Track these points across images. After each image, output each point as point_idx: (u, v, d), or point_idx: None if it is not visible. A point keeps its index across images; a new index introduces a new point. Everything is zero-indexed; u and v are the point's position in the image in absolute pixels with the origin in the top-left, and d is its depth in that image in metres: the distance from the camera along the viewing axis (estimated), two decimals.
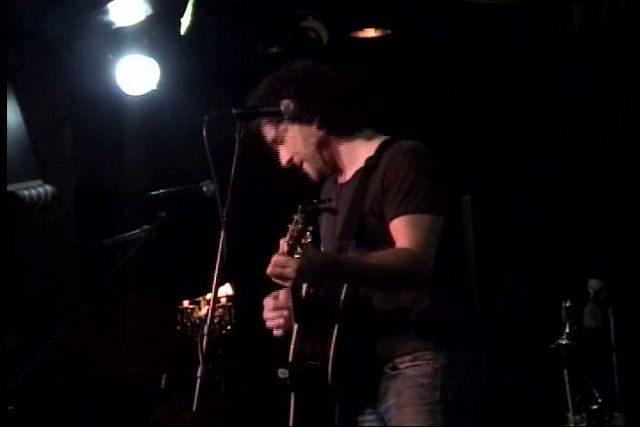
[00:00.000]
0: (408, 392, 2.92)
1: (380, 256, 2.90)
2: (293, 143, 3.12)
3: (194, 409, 2.78)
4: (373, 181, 2.99)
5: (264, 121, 3.13)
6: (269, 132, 3.15)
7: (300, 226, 2.73)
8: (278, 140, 3.15)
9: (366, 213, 2.98)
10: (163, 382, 5.96)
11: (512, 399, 5.72)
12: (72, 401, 5.43)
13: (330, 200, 2.95)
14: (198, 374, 2.82)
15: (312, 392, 2.96)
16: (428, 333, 2.94)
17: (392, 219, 2.93)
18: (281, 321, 3.04)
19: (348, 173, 3.13)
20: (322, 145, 3.11)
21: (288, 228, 2.77)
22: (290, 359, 2.94)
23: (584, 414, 5.01)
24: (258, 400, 5.89)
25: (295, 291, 2.94)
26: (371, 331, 2.96)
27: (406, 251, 2.87)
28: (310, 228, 2.74)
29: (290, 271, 2.74)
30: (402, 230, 2.90)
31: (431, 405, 2.90)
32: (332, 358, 2.87)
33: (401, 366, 2.94)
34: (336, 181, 3.19)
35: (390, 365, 2.96)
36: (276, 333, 3.06)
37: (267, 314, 3.08)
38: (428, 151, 3.02)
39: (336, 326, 2.89)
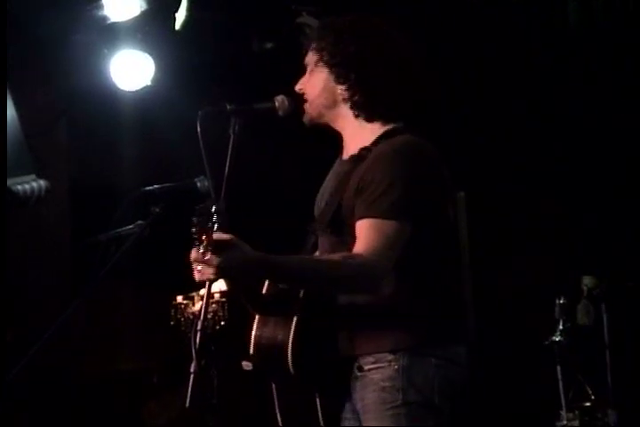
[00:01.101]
0: (371, 397, 2.90)
1: (326, 260, 2.88)
2: (313, 82, 3.08)
3: (186, 405, 2.78)
4: (355, 175, 2.96)
5: (312, 46, 3.09)
6: (308, 56, 3.11)
7: (196, 228, 2.71)
8: (308, 69, 3.12)
9: (343, 204, 2.96)
10: (155, 377, 5.96)
11: (505, 396, 5.72)
12: (66, 396, 5.42)
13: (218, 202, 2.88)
14: (191, 370, 2.82)
15: (282, 383, 2.95)
16: (389, 331, 2.92)
17: (359, 219, 2.89)
18: None
19: (346, 152, 3.10)
20: (332, 104, 3.07)
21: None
22: (251, 351, 2.93)
23: (577, 412, 5.01)
24: (251, 397, 5.89)
25: (245, 285, 2.94)
26: (333, 323, 2.94)
27: (358, 257, 2.82)
28: (211, 227, 2.70)
29: (209, 271, 2.73)
30: (364, 233, 2.86)
31: (395, 409, 2.88)
32: (292, 347, 2.85)
33: (365, 367, 2.93)
34: (340, 158, 3.15)
35: (357, 364, 2.94)
36: None
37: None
38: (414, 152, 2.95)
39: (295, 317, 2.88)
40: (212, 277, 2.73)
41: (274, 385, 2.98)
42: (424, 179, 2.93)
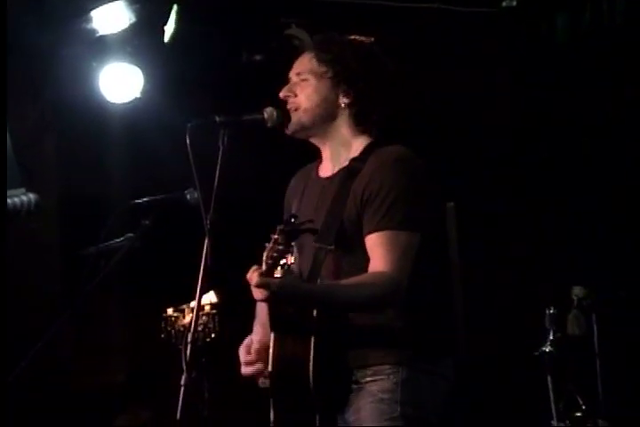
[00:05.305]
0: (368, 408, 2.93)
1: (355, 284, 2.89)
2: (312, 91, 3.09)
3: (177, 417, 2.78)
4: (355, 188, 2.97)
5: (310, 53, 3.11)
6: (305, 65, 3.11)
7: (281, 247, 2.72)
8: (301, 77, 3.11)
9: (345, 219, 2.97)
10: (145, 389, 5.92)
11: (495, 406, 5.71)
12: (56, 411, 5.40)
13: (310, 221, 2.89)
14: (182, 383, 2.82)
15: (292, 401, 2.95)
16: (389, 345, 2.95)
17: (369, 233, 2.92)
18: (260, 366, 3.04)
19: (331, 168, 3.11)
20: (329, 116, 3.09)
21: (266, 246, 2.77)
22: (269, 368, 2.94)
23: (568, 422, 5.00)
24: (242, 409, 5.88)
25: (272, 303, 2.93)
26: (343, 340, 2.96)
27: (383, 276, 2.87)
28: (292, 248, 2.74)
29: (263, 293, 2.75)
30: (378, 247, 2.90)
31: (391, 420, 2.91)
32: (313, 364, 2.87)
33: (362, 380, 2.95)
34: (317, 175, 3.16)
35: (353, 378, 2.96)
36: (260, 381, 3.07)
37: (245, 359, 3.09)
38: (414, 162, 3.00)
39: (313, 336, 2.90)
40: (263, 299, 2.77)
41: (272, 404, 2.98)
42: (426, 189, 2.99)
